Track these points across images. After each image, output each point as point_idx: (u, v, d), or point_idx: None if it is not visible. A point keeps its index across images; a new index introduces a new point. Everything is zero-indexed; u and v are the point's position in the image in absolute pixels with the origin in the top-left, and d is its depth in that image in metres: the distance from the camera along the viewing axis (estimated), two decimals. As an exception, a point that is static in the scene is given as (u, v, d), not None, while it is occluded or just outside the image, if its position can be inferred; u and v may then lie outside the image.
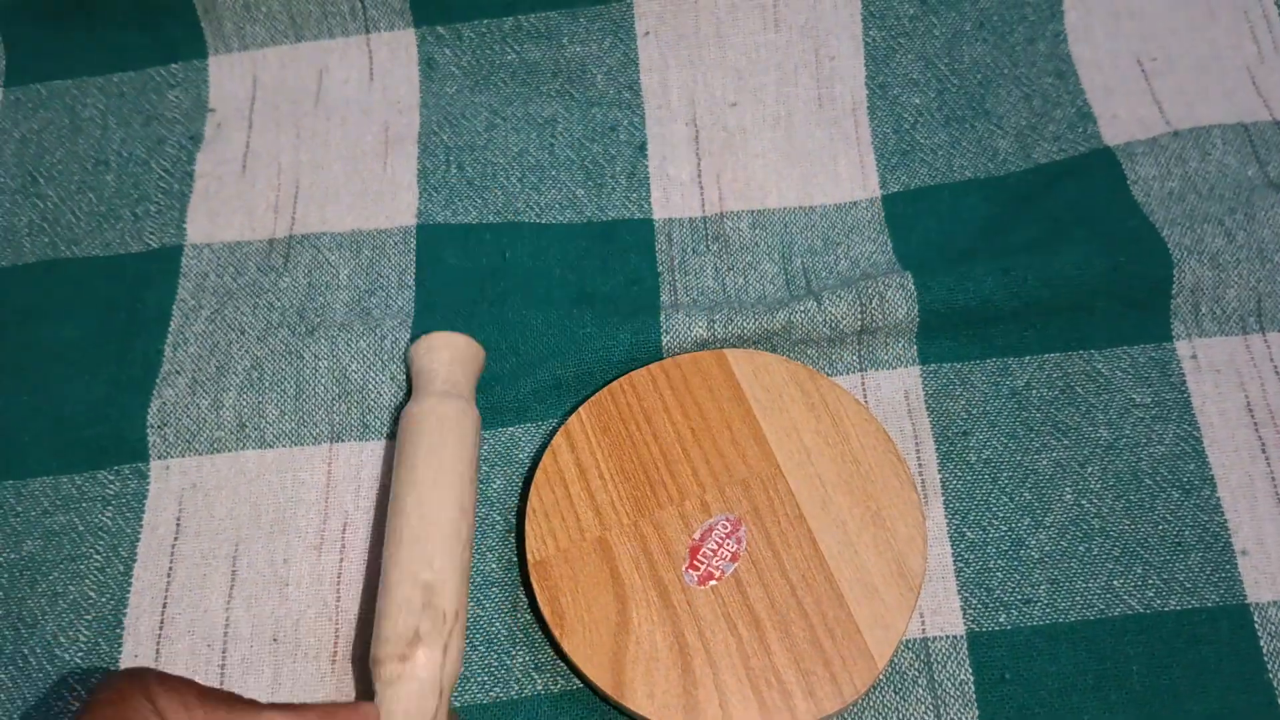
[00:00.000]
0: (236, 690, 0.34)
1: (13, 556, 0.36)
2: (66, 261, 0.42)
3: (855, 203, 0.41)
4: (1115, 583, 0.35)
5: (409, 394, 0.38)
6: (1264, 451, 0.36)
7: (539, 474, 0.36)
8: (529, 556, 0.34)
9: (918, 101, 0.43)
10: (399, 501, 0.33)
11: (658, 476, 0.35)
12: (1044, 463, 0.36)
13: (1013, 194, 0.41)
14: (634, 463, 0.35)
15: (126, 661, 0.35)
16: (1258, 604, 0.34)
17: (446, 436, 0.34)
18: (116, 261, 0.42)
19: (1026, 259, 0.38)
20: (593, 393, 0.38)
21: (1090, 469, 0.36)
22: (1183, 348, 0.38)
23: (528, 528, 0.35)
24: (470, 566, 0.34)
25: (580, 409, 0.36)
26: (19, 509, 0.37)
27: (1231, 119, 0.42)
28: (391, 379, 0.38)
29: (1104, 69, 0.43)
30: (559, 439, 0.36)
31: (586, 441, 0.36)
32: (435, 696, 0.30)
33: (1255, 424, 0.37)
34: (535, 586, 0.34)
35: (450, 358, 0.36)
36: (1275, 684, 0.33)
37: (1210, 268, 0.38)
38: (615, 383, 0.37)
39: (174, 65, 0.45)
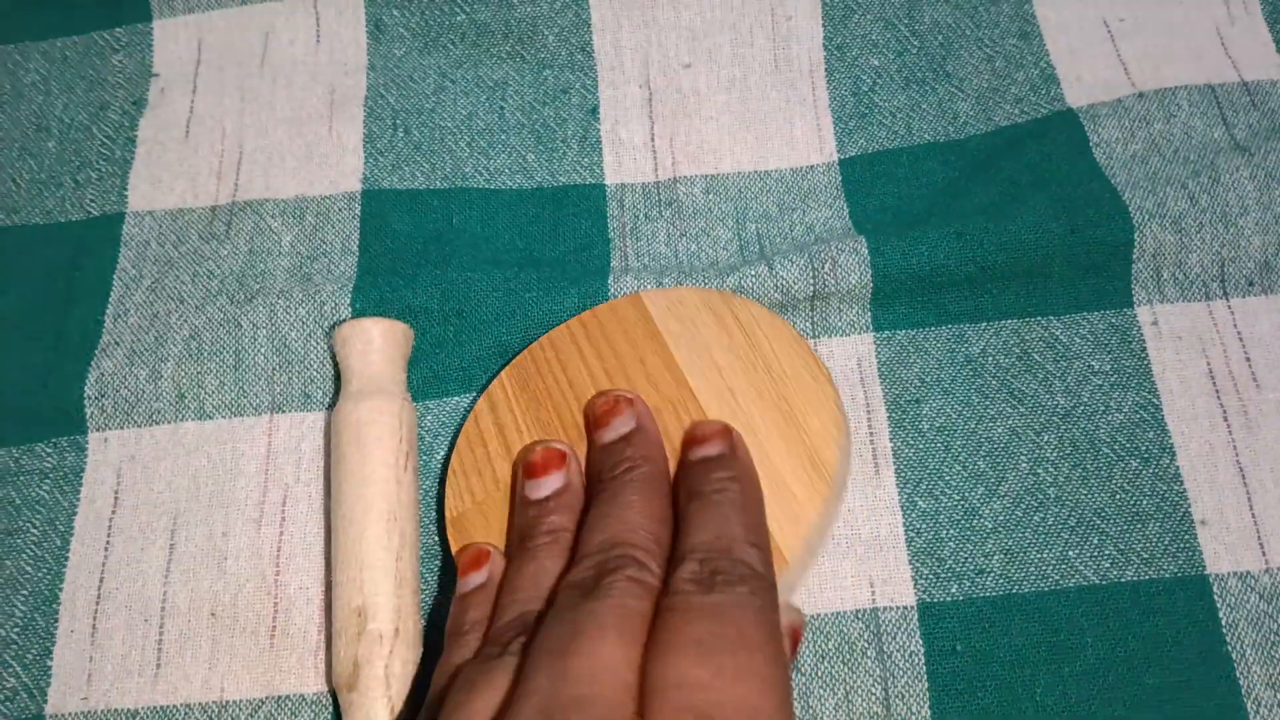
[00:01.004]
0: (173, 667, 0.33)
1: (-54, 530, 0.36)
2: (5, 229, 0.41)
3: (812, 167, 0.40)
4: (1070, 553, 0.34)
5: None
6: (1225, 420, 0.35)
7: (460, 438, 0.35)
8: (446, 514, 0.34)
9: (877, 63, 0.42)
10: (331, 520, 0.34)
11: (572, 421, 0.34)
12: (999, 431, 0.35)
13: (972, 158, 0.40)
14: (550, 413, 0.34)
15: (62, 638, 0.34)
16: (1217, 575, 0.33)
17: (366, 444, 0.33)
18: (57, 229, 0.41)
19: (982, 222, 0.37)
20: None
21: (1046, 437, 0.35)
22: (1143, 314, 0.37)
23: (447, 488, 0.34)
24: (416, 563, 0.33)
25: (501, 373, 0.36)
26: (-47, 482, 0.36)
27: (1199, 80, 0.41)
28: (330, 348, 0.37)
29: (1069, 30, 0.42)
30: (481, 403, 0.35)
31: (507, 401, 0.35)
32: (387, 715, 0.31)
33: (1217, 391, 0.36)
34: (450, 541, 0.33)
35: (363, 349, 0.35)
36: (1234, 655, 0.32)
37: (1173, 232, 0.37)
38: (535, 342, 0.36)
39: (118, 29, 0.44)
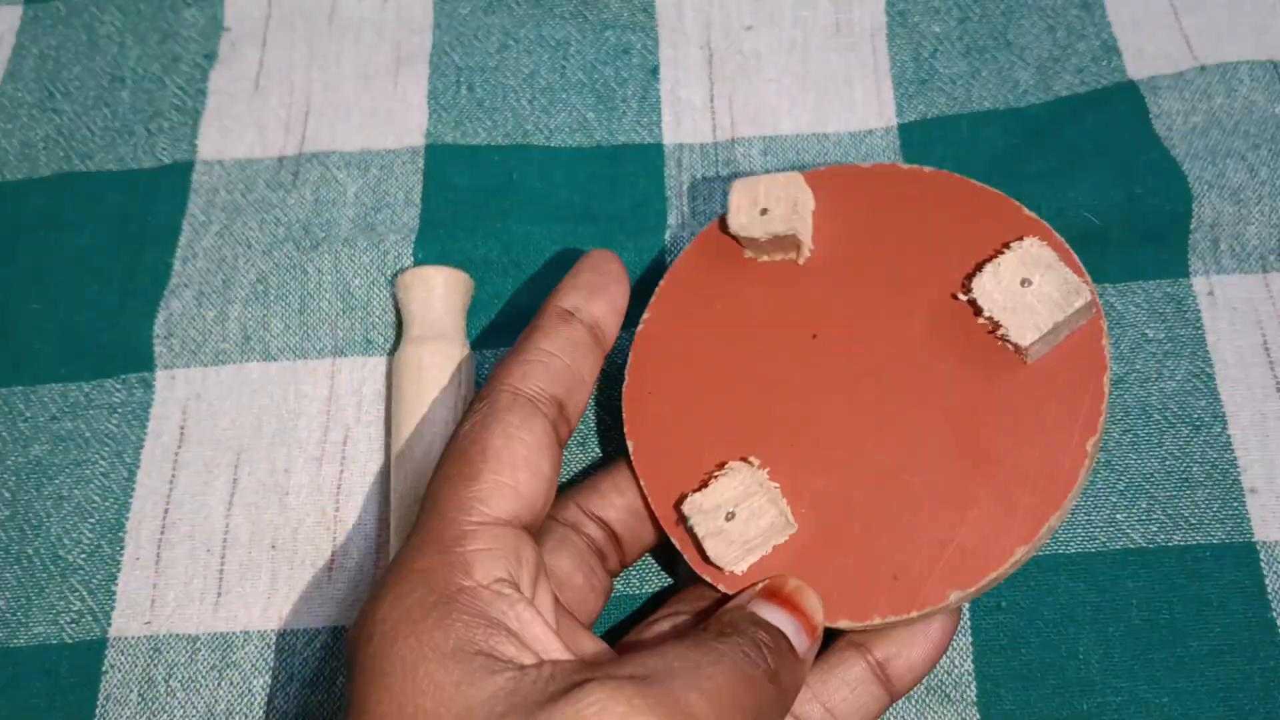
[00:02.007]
0: (234, 596, 0.35)
1: (20, 460, 0.37)
2: (81, 175, 0.42)
3: (870, 131, 0.41)
4: (1119, 516, 0.34)
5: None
6: (1278, 390, 0.35)
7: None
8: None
9: (938, 30, 0.42)
10: (389, 459, 0.35)
11: None
12: (1050, 394, 0.36)
13: (1031, 125, 0.40)
14: None
15: (127, 565, 0.35)
16: (1264, 542, 0.33)
17: (425, 386, 0.34)
18: (129, 176, 0.42)
19: (1040, 188, 0.37)
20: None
21: (1098, 403, 0.36)
22: (1199, 284, 0.37)
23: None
24: None
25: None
26: (28, 414, 0.38)
27: (1261, 55, 0.40)
28: (393, 295, 0.38)
29: (1132, 2, 0.42)
30: None
31: None
32: None
33: (1270, 363, 0.36)
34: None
35: (426, 295, 0.36)
36: (1278, 621, 0.32)
37: (1231, 203, 0.37)
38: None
39: (191, -16, 0.45)
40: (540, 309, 0.31)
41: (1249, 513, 0.34)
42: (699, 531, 0.29)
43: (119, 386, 0.38)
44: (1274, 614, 0.32)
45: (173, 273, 0.39)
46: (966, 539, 0.28)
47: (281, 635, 0.34)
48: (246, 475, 0.36)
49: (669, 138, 0.41)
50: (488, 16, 0.44)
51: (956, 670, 0.32)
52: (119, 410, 0.38)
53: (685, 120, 0.41)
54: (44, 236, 0.41)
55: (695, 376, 0.32)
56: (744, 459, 0.30)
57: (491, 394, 0.29)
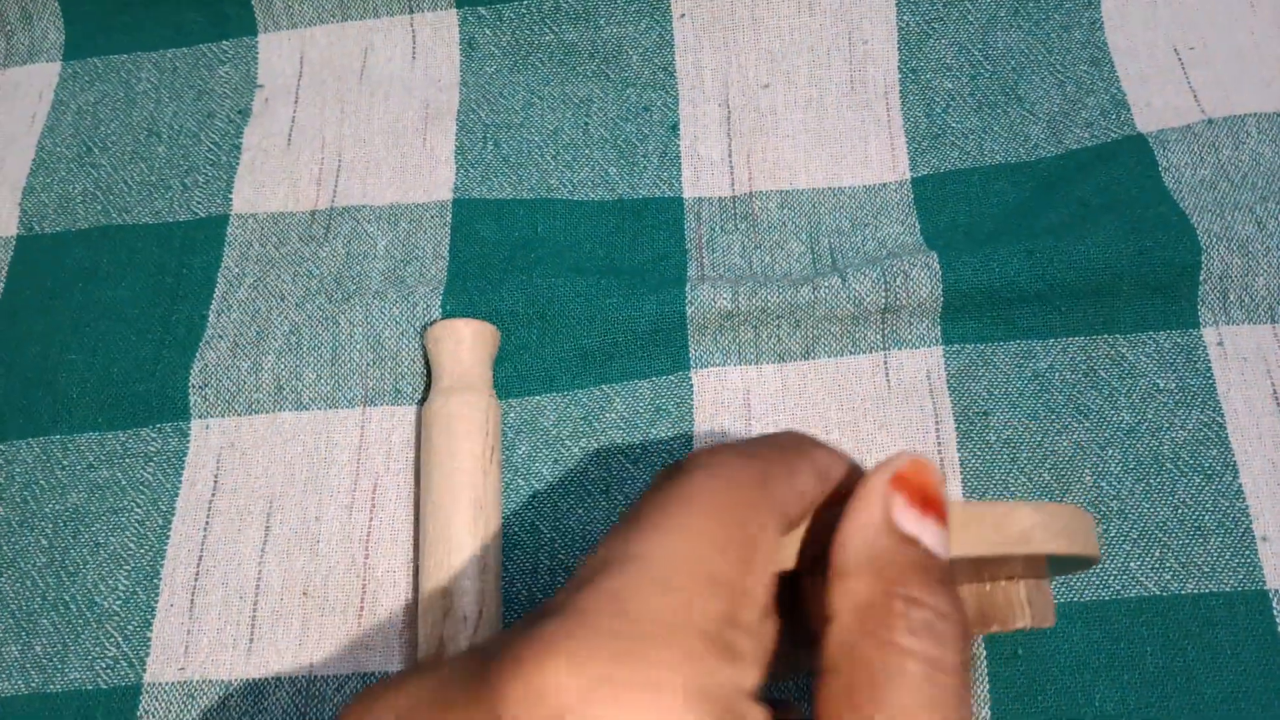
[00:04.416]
0: (266, 643, 0.35)
1: (58, 507, 0.38)
2: (118, 228, 0.43)
3: (884, 185, 0.42)
4: (1132, 564, 0.35)
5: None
6: (1289, 440, 0.36)
7: None
8: None
9: (950, 86, 0.43)
10: (419, 507, 0.36)
11: None
12: (1064, 444, 0.36)
13: (1043, 179, 0.41)
14: None
15: (162, 611, 0.36)
16: (1277, 590, 0.34)
17: (455, 436, 0.35)
18: (165, 229, 0.43)
19: (1052, 242, 0.38)
20: (615, 361, 0.38)
21: (1111, 452, 0.36)
22: (1209, 335, 0.38)
23: None
24: (499, 550, 0.35)
25: None
26: (65, 462, 0.39)
27: (1268, 108, 0.41)
28: (422, 346, 0.39)
29: (1140, 57, 0.43)
30: None
31: None
32: None
33: (1281, 412, 0.37)
34: None
35: (454, 347, 0.37)
36: (1293, 670, 0.33)
37: (1240, 255, 0.38)
38: None
39: (225, 42, 0.47)
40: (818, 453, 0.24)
41: (1261, 560, 0.34)
42: None
43: (155, 435, 0.39)
44: (1288, 662, 0.33)
45: (208, 324, 0.41)
46: None
47: (312, 682, 0.35)
48: (278, 523, 0.37)
49: (689, 192, 0.42)
50: (513, 75, 0.45)
51: (974, 716, 0.33)
52: (155, 459, 0.39)
53: (704, 175, 0.43)
54: (82, 288, 0.42)
55: None
56: None
57: (765, 500, 0.21)
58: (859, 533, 0.20)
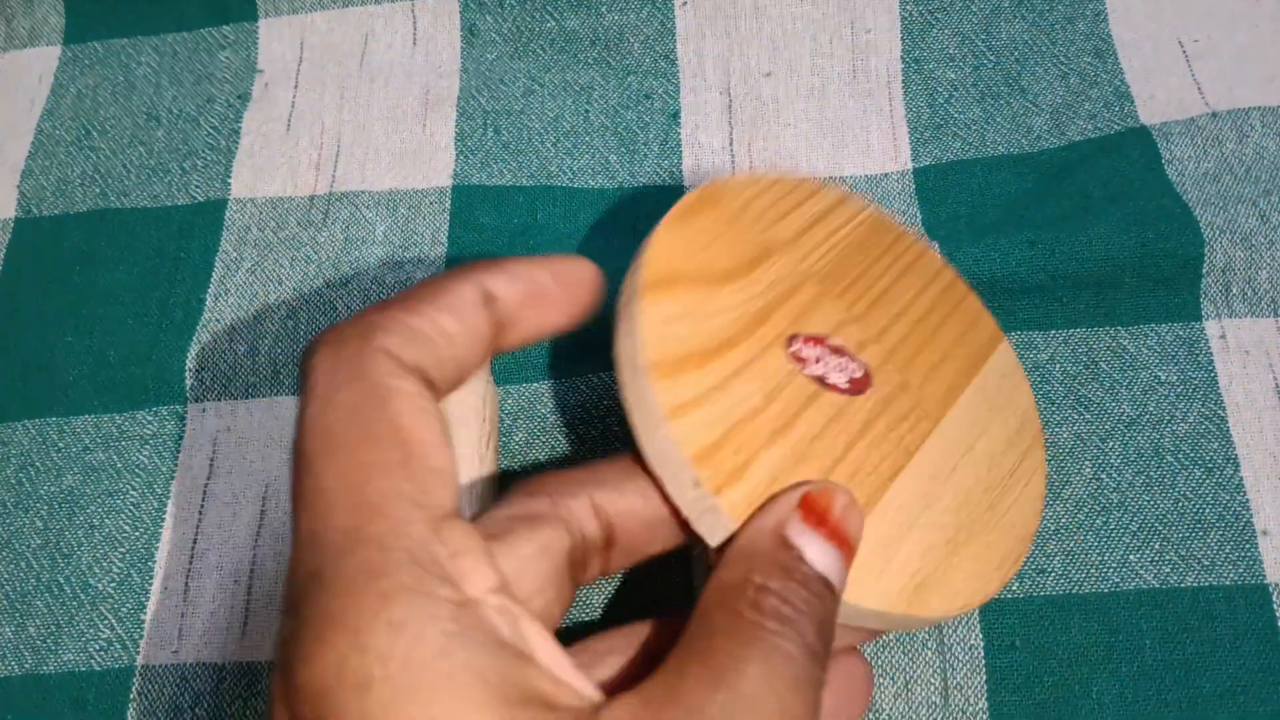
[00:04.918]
0: (260, 626, 0.35)
1: (53, 489, 0.38)
2: (117, 211, 0.43)
3: (886, 174, 0.41)
4: (1131, 557, 0.34)
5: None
6: (1290, 434, 0.36)
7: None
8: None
9: (953, 77, 0.43)
10: None
11: None
12: (1064, 436, 0.36)
13: (1045, 170, 0.41)
14: None
15: (156, 594, 0.36)
16: (1277, 584, 0.34)
17: (451, 421, 0.34)
18: (164, 213, 0.43)
19: (1054, 232, 0.38)
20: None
21: (1111, 444, 0.36)
22: (1211, 327, 0.38)
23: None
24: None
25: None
26: (61, 444, 0.39)
27: (1272, 101, 0.41)
28: (421, 331, 0.39)
29: (1144, 50, 0.43)
30: None
31: None
32: None
33: (1283, 406, 0.36)
34: None
35: None
36: (1291, 664, 0.33)
37: (1242, 248, 0.38)
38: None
39: (225, 27, 0.47)
40: (462, 268, 0.25)
41: (1261, 555, 0.34)
42: None
43: (151, 418, 0.39)
44: (1287, 656, 0.33)
45: (205, 308, 0.40)
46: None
47: (306, 665, 0.35)
48: (274, 507, 0.37)
49: (690, 180, 0.42)
50: (513, 62, 0.45)
51: (971, 709, 0.33)
52: (151, 442, 0.38)
53: (705, 163, 0.42)
54: (80, 271, 0.42)
55: None
56: None
57: (367, 355, 0.22)
58: (748, 533, 0.23)
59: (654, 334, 0.27)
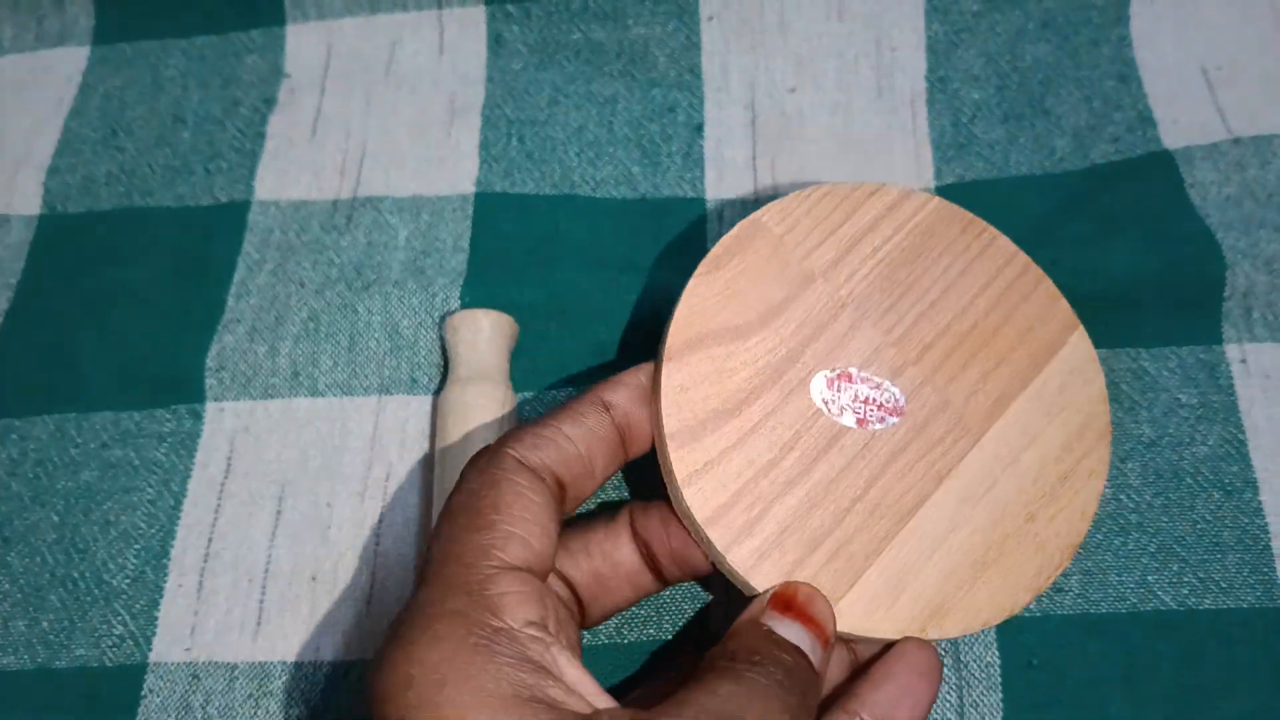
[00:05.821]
0: (273, 626, 0.35)
1: (70, 484, 0.38)
2: (141, 210, 0.43)
3: (908, 192, 0.42)
4: (1150, 578, 0.34)
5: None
6: (1310, 459, 0.36)
7: None
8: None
9: (977, 97, 0.43)
10: (432, 495, 0.36)
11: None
12: (1083, 455, 0.36)
13: (1068, 191, 0.41)
14: None
15: (170, 592, 0.36)
16: (1295, 609, 0.34)
17: (470, 425, 0.35)
18: (187, 213, 0.43)
19: (1076, 253, 0.38)
20: (627, 357, 0.38)
21: (1131, 465, 0.36)
22: (1232, 351, 0.38)
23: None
24: None
25: None
26: (79, 440, 0.39)
27: (1294, 129, 0.41)
28: (440, 336, 0.39)
29: (1168, 75, 0.43)
30: None
31: None
32: None
33: (1303, 431, 0.36)
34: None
35: (473, 337, 0.37)
36: (1310, 690, 0.32)
37: (1264, 273, 0.38)
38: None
39: (253, 31, 0.47)
40: (581, 394, 0.31)
41: (1279, 578, 0.34)
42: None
43: (169, 417, 0.39)
44: (1305, 681, 0.33)
45: (226, 308, 0.41)
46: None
47: (318, 667, 0.35)
48: (290, 508, 0.37)
49: (711, 193, 0.42)
50: (539, 72, 0.45)
51: (985, 726, 0.33)
52: (168, 440, 0.39)
53: (728, 177, 0.42)
54: (103, 269, 0.42)
55: None
56: None
57: (497, 457, 0.28)
58: (738, 620, 0.28)
59: (673, 403, 0.30)
